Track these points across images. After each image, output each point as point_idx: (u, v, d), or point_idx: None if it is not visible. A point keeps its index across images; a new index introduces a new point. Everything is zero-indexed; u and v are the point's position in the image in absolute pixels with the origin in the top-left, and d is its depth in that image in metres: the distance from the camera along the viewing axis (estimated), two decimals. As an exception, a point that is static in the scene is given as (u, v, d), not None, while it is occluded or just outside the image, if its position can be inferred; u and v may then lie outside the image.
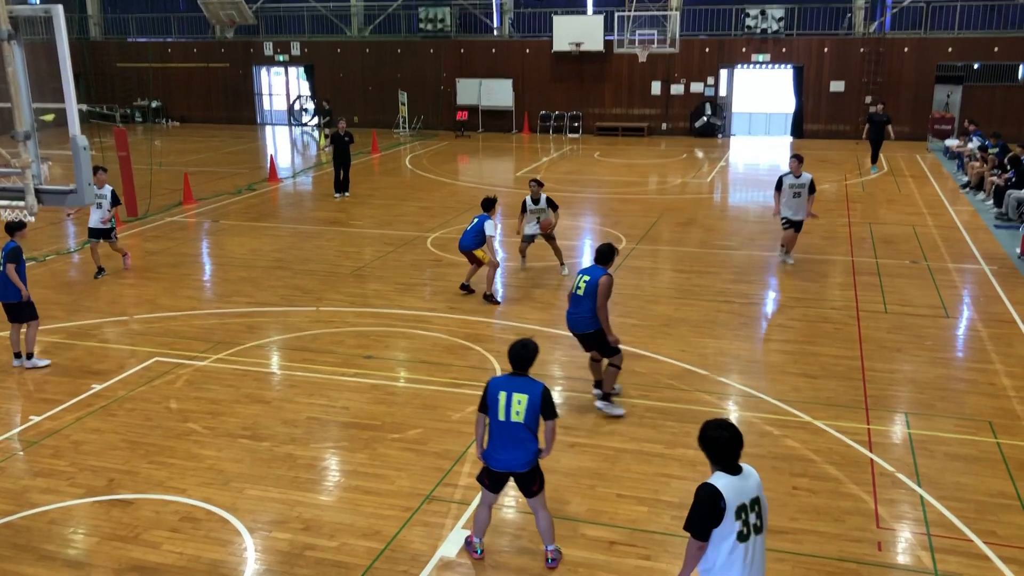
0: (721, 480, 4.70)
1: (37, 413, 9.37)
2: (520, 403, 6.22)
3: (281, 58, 36.38)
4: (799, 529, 7.08)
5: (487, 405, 6.34)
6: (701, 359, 10.65)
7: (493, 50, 34.02)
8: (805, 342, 11.24)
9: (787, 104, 32.33)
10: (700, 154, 28.83)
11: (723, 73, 32.46)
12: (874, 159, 25.11)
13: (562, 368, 10.52)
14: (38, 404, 9.60)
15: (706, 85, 32.38)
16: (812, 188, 14.27)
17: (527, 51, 33.55)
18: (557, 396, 9.66)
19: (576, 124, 33.34)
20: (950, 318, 12.21)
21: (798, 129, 32.14)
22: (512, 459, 6.32)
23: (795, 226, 14.49)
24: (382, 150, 29.16)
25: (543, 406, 6.28)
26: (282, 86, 38.01)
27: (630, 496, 7.61)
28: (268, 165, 24.44)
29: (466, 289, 13.15)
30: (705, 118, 32.38)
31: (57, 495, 7.68)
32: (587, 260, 15.70)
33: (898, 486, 7.73)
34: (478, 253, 12.92)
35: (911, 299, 12.93)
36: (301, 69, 36.87)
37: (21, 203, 5.81)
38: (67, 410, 9.39)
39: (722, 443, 4.72)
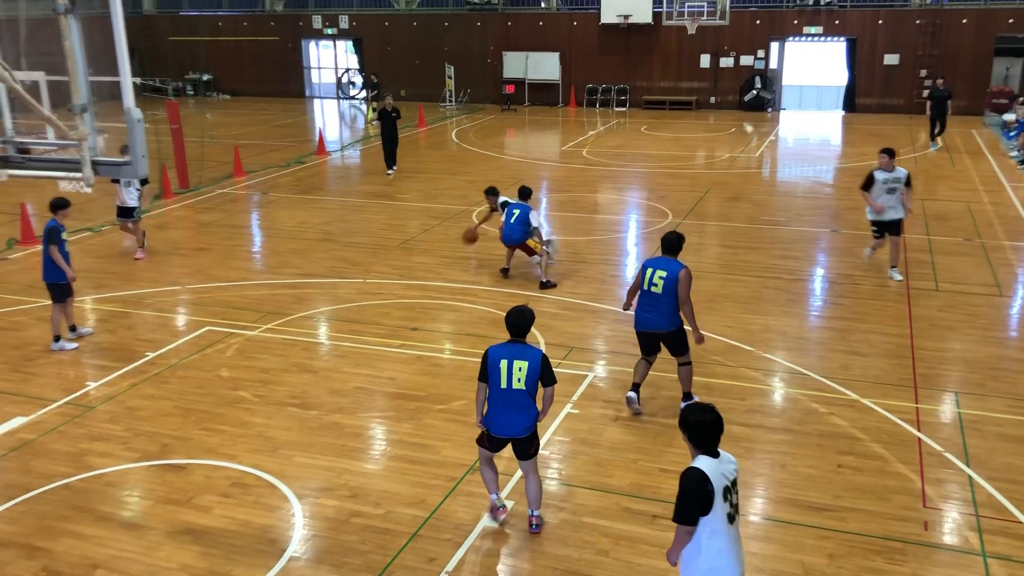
0: (704, 463, 4.70)
1: (94, 379, 9.64)
2: (521, 370, 6.35)
3: (330, 31, 36.52)
4: (843, 507, 7.04)
5: (487, 374, 6.45)
6: (747, 335, 10.58)
7: (540, 23, 33.77)
8: (854, 319, 11.09)
9: (839, 77, 31.64)
10: (749, 128, 28.40)
11: (774, 46, 31.86)
12: (936, 135, 24.31)
13: (607, 343, 10.52)
14: (95, 371, 9.88)
15: (756, 58, 31.82)
16: (908, 182, 12.45)
17: (574, 24, 33.25)
18: (602, 371, 9.68)
19: (623, 97, 33.03)
20: (1004, 297, 11.94)
21: (850, 103, 31.47)
22: (514, 424, 6.46)
23: (890, 228, 12.49)
24: (429, 124, 29.21)
25: (543, 372, 6.41)
26: (330, 59, 38.19)
27: (673, 470, 7.60)
28: (316, 138, 24.64)
29: (505, 273, 13.06)
30: (755, 91, 31.87)
31: (113, 459, 7.92)
32: (632, 237, 15.64)
33: (946, 466, 7.63)
34: (531, 243, 12.82)
35: (964, 277, 12.67)
36: (349, 42, 36.98)
37: (78, 174, 5.96)
38: (122, 377, 9.65)
39: (704, 426, 4.74)
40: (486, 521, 6.89)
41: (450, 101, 33.73)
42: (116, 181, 13.28)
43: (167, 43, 37.47)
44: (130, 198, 13.88)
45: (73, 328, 10.69)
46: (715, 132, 27.66)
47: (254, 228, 16.49)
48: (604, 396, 9.05)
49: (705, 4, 29.42)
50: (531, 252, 12.89)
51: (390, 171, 20.85)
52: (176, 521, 6.96)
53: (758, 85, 31.77)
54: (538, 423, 6.58)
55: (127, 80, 5.56)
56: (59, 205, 10.39)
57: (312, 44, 37.86)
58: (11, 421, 8.62)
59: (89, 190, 6.20)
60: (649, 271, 8.36)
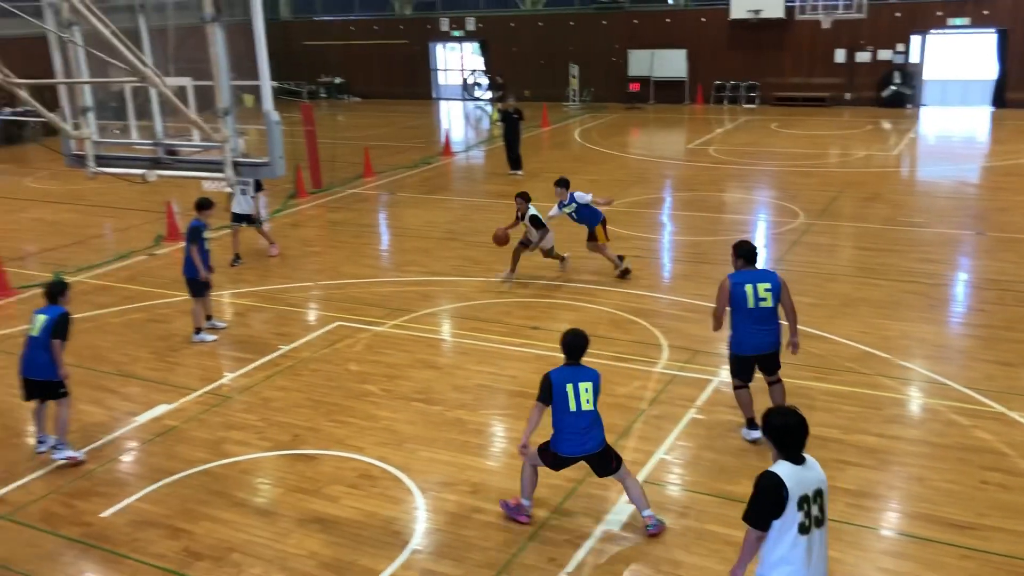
0: (783, 468, 4.53)
1: (231, 370, 10.11)
2: (587, 391, 6.51)
3: (457, 33, 37.10)
4: (987, 526, 6.63)
5: (551, 398, 6.50)
6: (883, 342, 10.11)
7: (667, 20, 33.30)
8: (1001, 327, 10.44)
9: (987, 71, 29.84)
10: (887, 125, 27.16)
11: (915, 39, 30.34)
12: None
13: (732, 346, 10.26)
14: (233, 362, 10.36)
15: (895, 52, 30.39)
16: None
17: (702, 20, 32.62)
18: (727, 375, 9.43)
19: (752, 94, 32.18)
20: None
21: (999, 98, 29.62)
22: (590, 442, 6.53)
23: None
24: (552, 123, 29.26)
25: (600, 386, 6.65)
26: (457, 61, 38.79)
27: (801, 480, 7.35)
28: (443, 140, 25.08)
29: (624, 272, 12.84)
30: (893, 87, 30.44)
31: (248, 447, 8.28)
32: (760, 237, 15.21)
33: (1106, 487, 7.08)
34: (597, 231, 12.66)
35: None
36: (475, 44, 37.47)
37: (221, 175, 6.24)
38: (258, 368, 10.08)
39: (787, 431, 4.57)
40: (606, 524, 6.84)
41: (574, 100, 33.69)
42: (232, 192, 13.63)
43: (302, 48, 38.90)
44: (240, 206, 13.88)
45: (209, 318, 11.23)
46: (850, 129, 26.59)
47: (382, 227, 16.92)
48: (729, 402, 8.81)
49: (841, -3, 28.32)
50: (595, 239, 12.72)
51: (516, 173, 20.73)
52: (305, 509, 7.21)
53: (897, 80, 30.34)
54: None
55: (267, 84, 5.79)
56: (203, 205, 10.95)
57: (439, 46, 38.55)
58: (157, 408, 9.13)
59: (230, 190, 6.49)
60: (749, 287, 7.57)
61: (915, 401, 8.81)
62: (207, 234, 10.91)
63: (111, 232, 16.90)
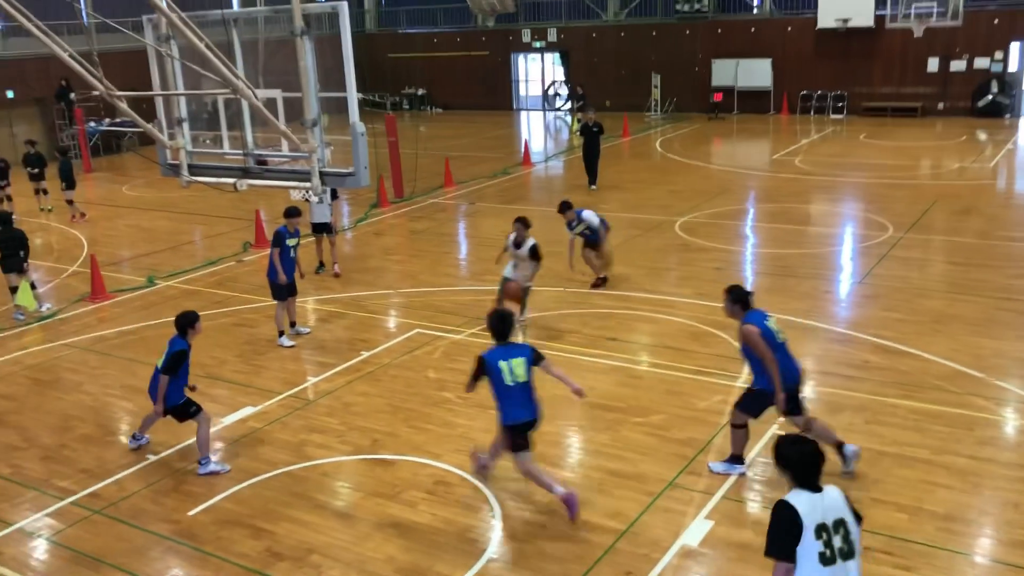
0: (797, 497, 4.40)
1: (314, 375, 10.33)
2: (519, 366, 7.05)
3: (538, 44, 37.25)
4: (1090, 557, 6.30)
5: (484, 375, 7.10)
6: (976, 360, 9.73)
7: (752, 29, 32.81)
8: (1105, 348, 9.94)
9: (1093, 78, 28.52)
10: (983, 136, 26.19)
11: (1014, 46, 29.19)
12: None
13: (818, 362, 10.02)
14: (315, 367, 10.58)
15: (993, 60, 29.28)
16: None
17: (789, 29, 32.03)
18: (810, 391, 9.23)
19: (840, 104, 31.42)
20: None
21: (1105, 107, 28.28)
22: (529, 412, 7.12)
23: None
24: (633, 134, 29.10)
25: (534, 359, 7.16)
26: (538, 72, 38.94)
27: (889, 501, 7.13)
28: (522, 150, 25.18)
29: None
30: (990, 96, 29.34)
31: (329, 450, 8.43)
32: (847, 251, 14.84)
33: None
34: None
35: None
36: (556, 55, 37.55)
37: (307, 184, 6.40)
38: (339, 373, 10.27)
39: (799, 459, 4.46)
40: (684, 539, 6.74)
41: (655, 111, 33.45)
42: (308, 200, 13.71)
43: (386, 60, 39.61)
44: (318, 215, 13.88)
45: (293, 324, 11.50)
46: (943, 140, 25.72)
47: (461, 236, 17.07)
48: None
49: (935, 4, 27.43)
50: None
51: (594, 186, 20.47)
52: (384, 514, 7.30)
53: (994, 90, 29.23)
54: (578, 391, 7.28)
55: (353, 97, 5.93)
56: (289, 213, 11.23)
57: (521, 57, 38.77)
58: (242, 410, 9.38)
59: (316, 199, 6.65)
60: (771, 320, 7.42)
61: (1010, 423, 8.45)
62: (292, 241, 11.16)
63: (201, 239, 17.47)
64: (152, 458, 8.45)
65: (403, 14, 40.71)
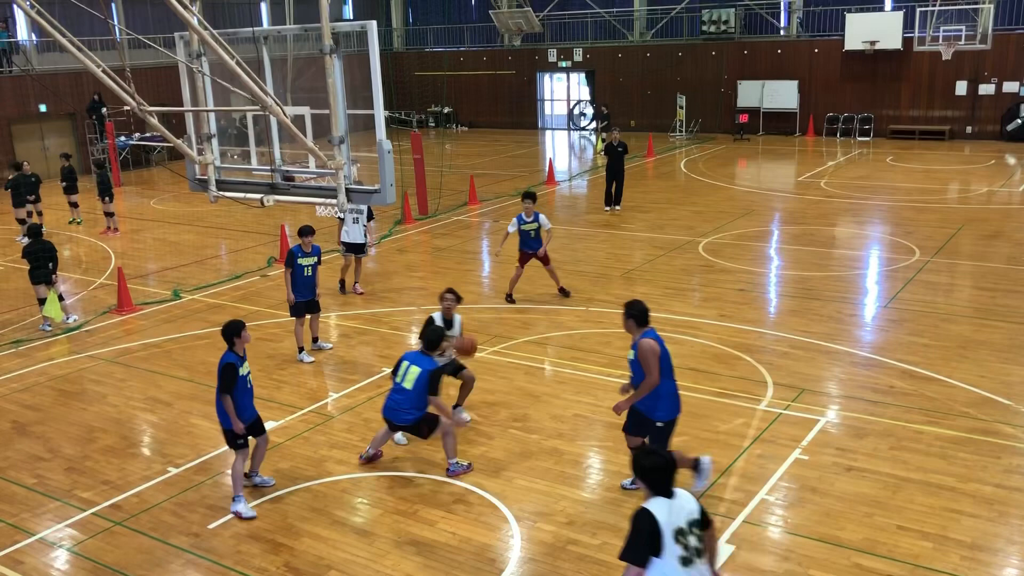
0: (655, 504, 4.69)
1: (335, 391, 10.35)
2: (411, 373, 7.79)
3: (564, 64, 37.40)
4: (1121, 591, 6.17)
5: (395, 370, 7.95)
6: (1004, 387, 9.59)
7: (779, 51, 32.76)
8: None
9: (1125, 103, 28.17)
10: (1011, 160, 25.94)
11: (1044, 70, 28.94)
12: None
13: (841, 386, 9.93)
14: (336, 383, 10.61)
15: (1022, 84, 29.06)
16: None
17: (815, 51, 31.95)
18: (835, 416, 9.14)
19: (867, 127, 31.25)
20: None
21: None
22: (401, 415, 7.88)
23: None
24: (657, 154, 29.09)
25: (429, 383, 7.75)
26: (563, 91, 39.08)
27: (913, 529, 7.03)
28: (546, 169, 25.24)
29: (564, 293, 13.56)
30: (1020, 120, 29.06)
31: (348, 467, 8.44)
32: (872, 274, 14.71)
33: None
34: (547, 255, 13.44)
35: None
36: (582, 75, 37.68)
37: (333, 200, 6.45)
38: (360, 389, 10.29)
39: (657, 470, 4.75)
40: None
41: (680, 131, 33.44)
42: (341, 219, 13.72)
43: (413, 78, 39.91)
44: (352, 235, 13.72)
45: (315, 340, 11.56)
46: (971, 164, 25.50)
47: (484, 254, 17.09)
48: (837, 443, 8.53)
49: (963, 28, 27.29)
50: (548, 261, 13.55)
51: (609, 208, 20.18)
52: (402, 531, 7.29)
53: None
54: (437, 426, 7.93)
55: (380, 114, 5.97)
56: (302, 232, 11.28)
57: (547, 77, 38.93)
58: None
59: (342, 215, 6.68)
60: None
61: (1039, 452, 8.31)
62: (307, 261, 11.16)
63: (227, 253, 17.62)
64: (173, 471, 8.49)
65: (430, 33, 41.06)
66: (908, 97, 30.74)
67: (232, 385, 7.45)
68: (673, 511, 4.68)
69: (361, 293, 14.12)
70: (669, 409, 7.25)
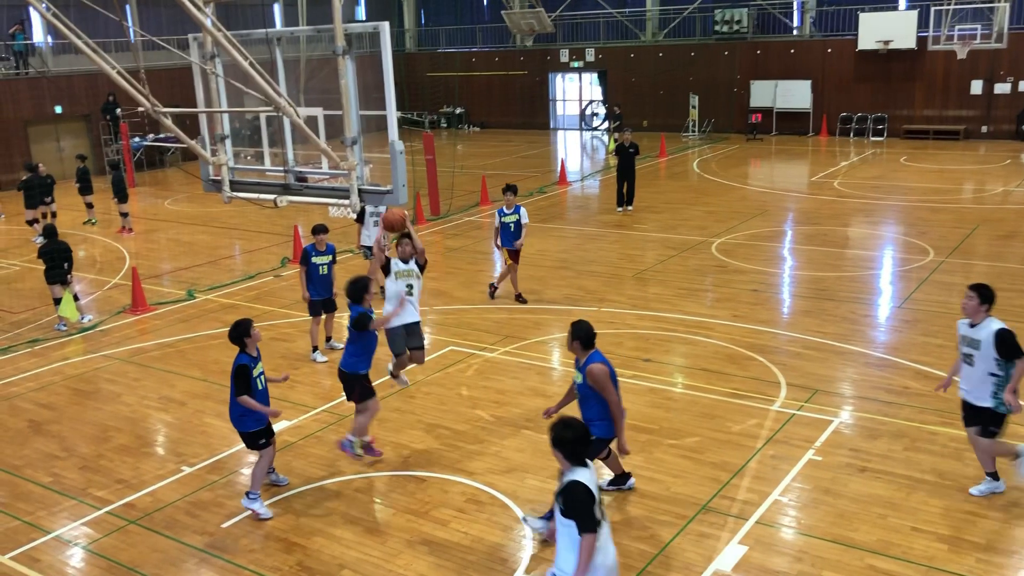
0: (583, 474, 5.00)
1: (348, 390, 10.36)
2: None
3: (576, 64, 37.38)
4: None
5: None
6: (1020, 389, 9.51)
7: (792, 50, 32.65)
8: None
9: None
10: (1027, 159, 25.78)
11: (1060, 68, 28.72)
12: None
13: (855, 387, 9.89)
14: (349, 382, 10.62)
15: (1038, 83, 28.85)
16: None
17: (828, 50, 31.83)
18: (848, 416, 9.10)
19: (880, 127, 31.11)
20: None
21: None
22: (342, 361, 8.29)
23: None
24: (670, 154, 29.04)
25: (356, 323, 8.03)
26: (575, 92, 39.06)
27: (928, 531, 6.99)
28: (558, 169, 25.23)
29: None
30: (1035, 119, 28.88)
31: (361, 466, 8.45)
32: (887, 274, 14.64)
33: None
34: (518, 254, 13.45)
35: None
36: (594, 75, 37.64)
37: (346, 201, 6.47)
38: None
39: (575, 441, 5.01)
40: (717, 564, 6.66)
41: (693, 131, 33.38)
42: (360, 220, 13.62)
43: (425, 78, 39.96)
44: (371, 238, 13.56)
45: (328, 339, 11.60)
46: (986, 164, 25.35)
47: (496, 254, 17.09)
48: (850, 444, 8.49)
49: (979, 27, 27.12)
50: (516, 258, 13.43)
51: (620, 208, 20.12)
52: (415, 531, 7.30)
53: (1039, 112, 28.77)
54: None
55: (392, 115, 5.98)
56: (315, 231, 11.34)
57: (559, 77, 38.92)
58: (277, 424, 9.44)
59: (354, 215, 6.70)
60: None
61: (1055, 453, 8.25)
62: (321, 259, 11.21)
63: (240, 253, 17.70)
64: (187, 470, 8.53)
65: (442, 33, 41.11)
66: (922, 97, 30.59)
67: (248, 386, 7.39)
68: (593, 479, 5.04)
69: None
70: (606, 429, 7.05)
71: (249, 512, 7.63)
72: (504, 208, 13.34)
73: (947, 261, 14.71)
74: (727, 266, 15.03)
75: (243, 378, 7.40)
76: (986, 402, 7.22)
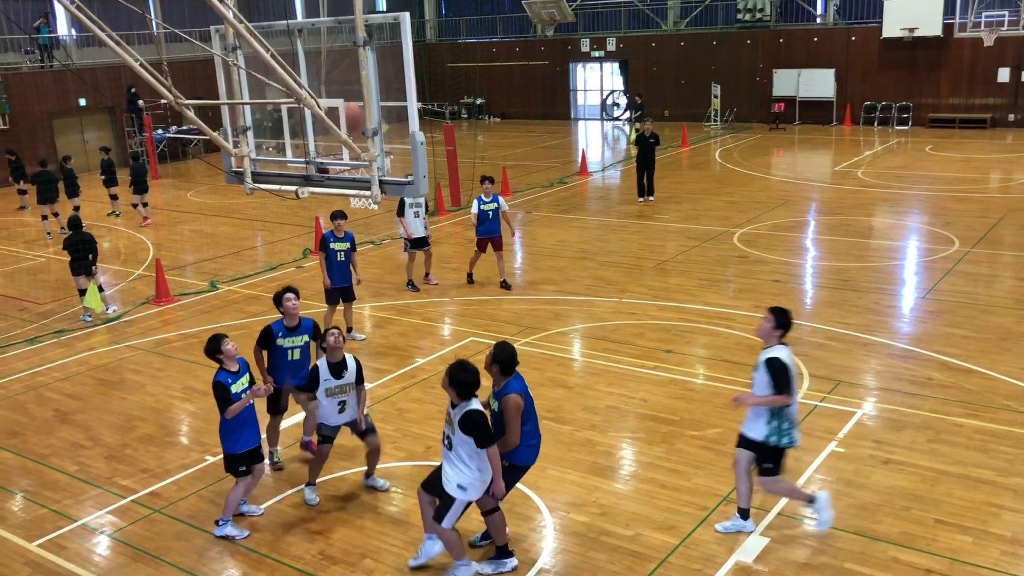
0: (476, 403, 6.19)
1: (369, 381, 10.40)
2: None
3: (597, 54, 37.22)
4: None
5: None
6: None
7: (815, 39, 32.32)
8: None
9: None
10: (1055, 148, 25.40)
11: (1090, 55, 28.26)
12: None
13: (878, 378, 9.81)
14: (370, 372, 10.64)
15: (1067, 70, 28.39)
16: None
17: (852, 38, 31.48)
18: (871, 408, 9.03)
19: (905, 115, 30.75)
20: None
21: None
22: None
23: None
24: (691, 144, 28.87)
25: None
26: (596, 81, 38.89)
27: (952, 524, 6.93)
28: (579, 159, 25.15)
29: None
30: (1064, 107, 28.44)
31: (383, 456, 8.47)
32: (911, 265, 14.49)
33: None
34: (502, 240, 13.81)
35: None
36: (615, 64, 37.46)
37: (367, 192, 6.47)
38: (395, 380, 10.35)
39: (471, 384, 6.16)
40: (739, 555, 6.64)
41: (715, 120, 33.15)
42: (401, 214, 13.52)
43: (445, 69, 39.95)
44: (419, 228, 13.56)
45: (349, 330, 11.64)
46: (1014, 152, 25.00)
47: (517, 245, 17.08)
48: (874, 436, 8.43)
49: (1007, 13, 26.72)
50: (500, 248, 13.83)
51: (642, 199, 19.96)
52: (438, 521, 7.31)
53: (1068, 100, 28.32)
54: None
55: (413, 106, 5.97)
56: (334, 216, 11.40)
57: (579, 67, 38.76)
58: (298, 415, 9.49)
59: (376, 207, 6.71)
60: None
61: (1083, 446, 8.15)
62: (340, 246, 11.26)
63: (262, 244, 17.80)
64: (210, 459, 8.61)
65: (463, 24, 41.04)
66: (948, 85, 30.20)
67: (226, 404, 6.98)
68: (479, 405, 6.21)
69: (436, 284, 14.11)
70: (527, 455, 6.63)
71: (224, 536, 7.25)
72: (483, 196, 13.55)
73: (973, 251, 14.54)
74: (749, 256, 14.93)
75: (219, 396, 7.03)
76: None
